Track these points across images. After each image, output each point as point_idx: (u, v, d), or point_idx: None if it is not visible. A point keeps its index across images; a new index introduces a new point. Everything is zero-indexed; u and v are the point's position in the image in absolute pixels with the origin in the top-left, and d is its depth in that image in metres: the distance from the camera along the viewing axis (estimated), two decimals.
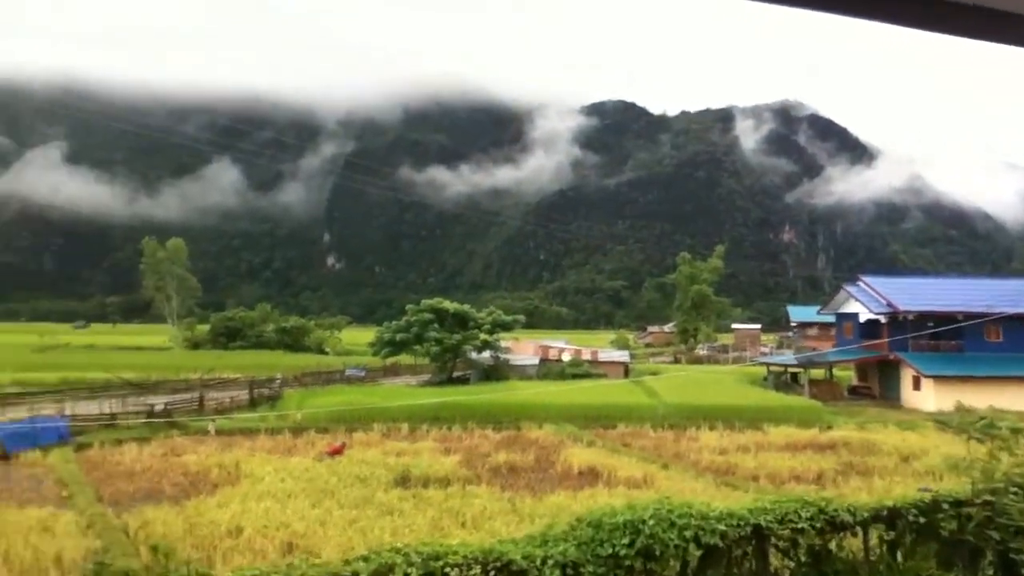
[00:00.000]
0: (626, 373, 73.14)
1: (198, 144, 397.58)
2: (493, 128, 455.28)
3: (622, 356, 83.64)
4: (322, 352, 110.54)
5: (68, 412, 43.46)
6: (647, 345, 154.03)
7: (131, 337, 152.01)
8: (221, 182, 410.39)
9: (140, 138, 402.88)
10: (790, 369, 69.68)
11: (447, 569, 11.02)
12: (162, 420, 43.53)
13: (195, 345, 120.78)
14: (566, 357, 74.40)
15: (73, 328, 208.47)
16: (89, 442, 37.42)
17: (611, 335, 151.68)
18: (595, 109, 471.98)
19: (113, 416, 43.76)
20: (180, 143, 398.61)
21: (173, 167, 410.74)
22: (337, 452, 34.15)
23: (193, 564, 11.43)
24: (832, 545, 13.01)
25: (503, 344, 72.26)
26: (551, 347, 79.99)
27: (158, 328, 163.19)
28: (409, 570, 10.91)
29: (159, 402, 48.19)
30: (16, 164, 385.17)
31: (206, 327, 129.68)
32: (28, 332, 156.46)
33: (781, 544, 12.71)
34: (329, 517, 23.50)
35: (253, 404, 51.54)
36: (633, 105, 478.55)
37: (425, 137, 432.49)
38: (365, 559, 11.32)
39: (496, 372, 68.51)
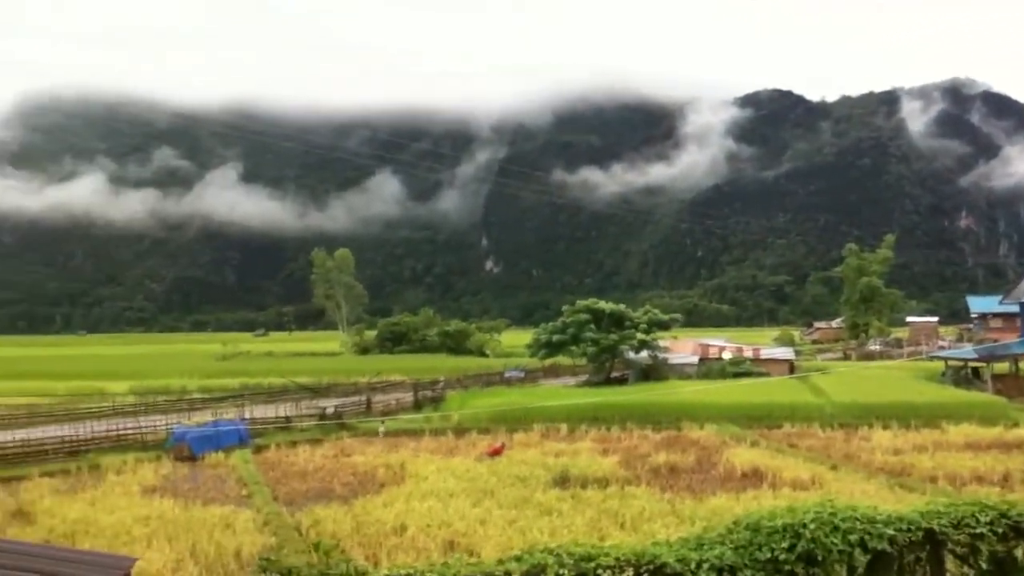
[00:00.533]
0: (791, 371, 70.53)
1: (360, 158, 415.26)
2: (644, 125, 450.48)
3: (786, 353, 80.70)
4: (482, 354, 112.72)
5: (247, 416, 46.17)
6: (814, 342, 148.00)
7: (305, 344, 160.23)
8: (383, 193, 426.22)
9: (308, 155, 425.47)
10: (971, 363, 65.13)
11: (599, 571, 10.96)
12: (333, 423, 45.53)
13: (364, 350, 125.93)
14: (727, 355, 72.50)
15: (253, 336, 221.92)
16: (266, 444, 39.62)
17: (775, 332, 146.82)
18: (749, 100, 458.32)
19: (288, 419, 46.14)
20: (344, 158, 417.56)
21: (339, 181, 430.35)
22: (497, 453, 34.67)
23: (352, 562, 11.84)
24: (1018, 552, 12.09)
25: (661, 343, 71.25)
26: (711, 345, 78.20)
27: (330, 335, 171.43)
28: (561, 571, 10.91)
29: (330, 405, 50.42)
30: (197, 185, 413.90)
31: (374, 332, 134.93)
32: (213, 341, 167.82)
33: (959, 550, 11.93)
34: (489, 516, 23.86)
35: (417, 406, 53.10)
36: (789, 93, 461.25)
37: (576, 138, 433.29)
38: (518, 559, 11.42)
39: (655, 372, 67.62)
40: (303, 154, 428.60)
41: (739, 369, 66.08)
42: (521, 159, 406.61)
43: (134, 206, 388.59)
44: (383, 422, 44.34)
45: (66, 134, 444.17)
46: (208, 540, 22.01)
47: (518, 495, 26.79)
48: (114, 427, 41.55)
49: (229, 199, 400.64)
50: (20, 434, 39.10)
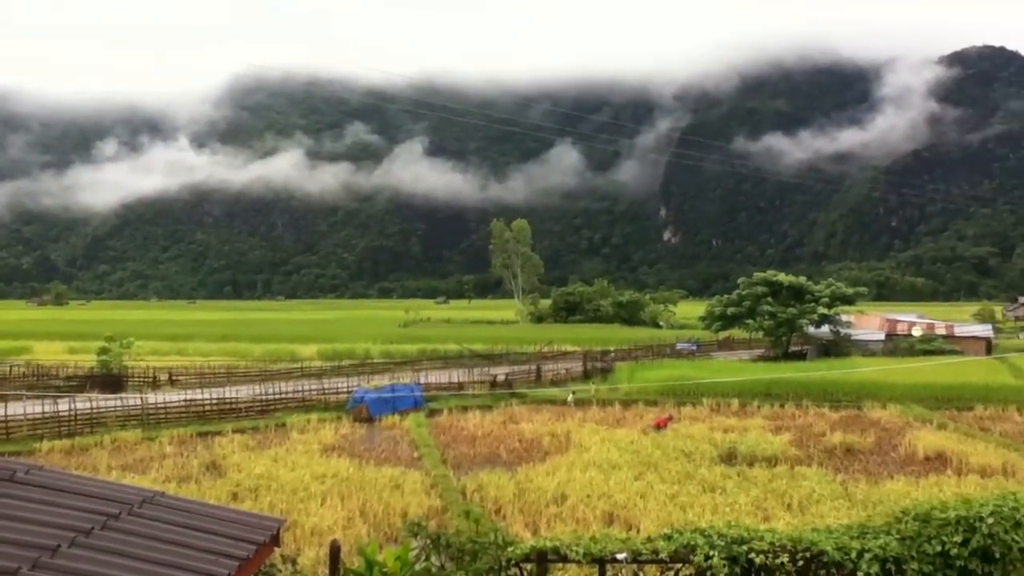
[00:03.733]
0: (988, 350, 65.42)
1: (541, 130, 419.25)
2: (836, 89, 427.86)
3: (983, 331, 74.93)
4: (656, 326, 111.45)
5: (423, 380, 47.75)
6: (1017, 319, 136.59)
7: (483, 312, 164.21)
8: (563, 164, 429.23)
9: (490, 128, 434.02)
10: None
11: (752, 555, 10.59)
12: (504, 391, 46.36)
13: (539, 319, 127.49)
14: (916, 332, 68.12)
15: (435, 304, 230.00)
16: (439, 408, 40.85)
17: (974, 307, 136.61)
18: (956, 58, 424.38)
19: (461, 385, 47.39)
20: (525, 131, 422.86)
21: (519, 153, 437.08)
22: (663, 425, 34.21)
23: (500, 531, 11.96)
24: None
25: (844, 318, 67.85)
26: (899, 321, 73.71)
27: (507, 303, 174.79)
28: (711, 553, 10.62)
29: (500, 373, 51.35)
30: (386, 159, 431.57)
31: (548, 302, 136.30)
32: (398, 308, 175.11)
33: None
34: (650, 491, 23.57)
35: (586, 376, 53.15)
36: (1002, 49, 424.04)
37: (762, 104, 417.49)
38: (667, 538, 11.17)
39: (836, 348, 64.57)
40: (485, 127, 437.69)
41: (929, 347, 61.99)
42: (704, 127, 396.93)
43: (328, 179, 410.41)
44: (573, 392, 44.29)
45: (269, 112, 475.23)
46: (378, 500, 22.96)
47: (682, 470, 26.35)
48: (301, 388, 44.07)
49: (416, 172, 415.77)
50: (218, 392, 42.19)
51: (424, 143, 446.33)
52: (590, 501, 22.66)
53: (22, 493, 6.28)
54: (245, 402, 40.33)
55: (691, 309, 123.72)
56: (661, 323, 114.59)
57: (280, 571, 12.34)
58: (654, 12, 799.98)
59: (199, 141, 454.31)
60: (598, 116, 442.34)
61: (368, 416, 38.22)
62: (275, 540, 7.13)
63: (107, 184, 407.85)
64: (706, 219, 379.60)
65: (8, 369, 56.56)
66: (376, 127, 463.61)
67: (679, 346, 70.78)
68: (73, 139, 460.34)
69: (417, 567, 11.37)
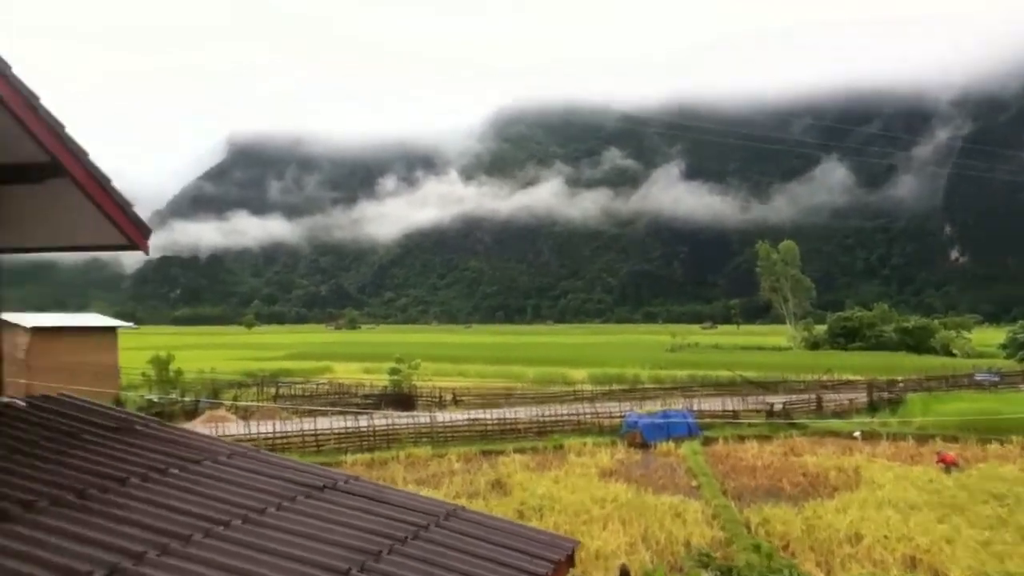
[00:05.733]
0: None
1: (804, 146, 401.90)
2: None
3: None
4: (948, 354, 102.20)
5: (694, 407, 47.07)
6: None
7: (752, 337, 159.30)
8: (829, 181, 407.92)
9: (748, 147, 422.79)
10: None
11: None
12: (782, 421, 44.62)
13: (813, 345, 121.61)
14: None
15: (701, 329, 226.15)
16: (714, 437, 40.08)
17: None
18: None
19: (735, 413, 46.18)
20: (787, 148, 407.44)
21: (782, 171, 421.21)
22: (949, 462, 31.31)
23: (794, 567, 11.61)
24: None
25: None
26: None
27: (778, 328, 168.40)
28: None
29: (777, 402, 49.48)
30: (644, 183, 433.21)
31: (823, 327, 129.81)
32: (663, 333, 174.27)
33: None
34: (957, 535, 21.77)
35: (872, 407, 49.91)
36: None
37: None
38: None
39: None
40: (744, 147, 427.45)
41: None
42: (989, 134, 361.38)
43: (588, 205, 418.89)
44: (860, 430, 41.54)
45: (529, 142, 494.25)
46: (659, 527, 22.97)
47: (993, 514, 24.07)
48: (575, 411, 45.04)
49: (674, 195, 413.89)
50: (498, 413, 44.16)
51: (681, 166, 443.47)
52: (888, 543, 21.32)
53: (344, 501, 6.94)
54: (524, 423, 41.87)
55: (988, 336, 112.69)
56: (955, 351, 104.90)
57: None
58: (924, 11, 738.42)
59: (467, 174, 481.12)
60: (867, 128, 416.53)
61: (642, 442, 38.30)
62: (570, 560, 7.33)
63: (389, 217, 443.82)
64: (1000, 236, 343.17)
65: (315, 387, 62.77)
66: (632, 152, 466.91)
67: (978, 376, 64.52)
68: (359, 176, 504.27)
69: None
